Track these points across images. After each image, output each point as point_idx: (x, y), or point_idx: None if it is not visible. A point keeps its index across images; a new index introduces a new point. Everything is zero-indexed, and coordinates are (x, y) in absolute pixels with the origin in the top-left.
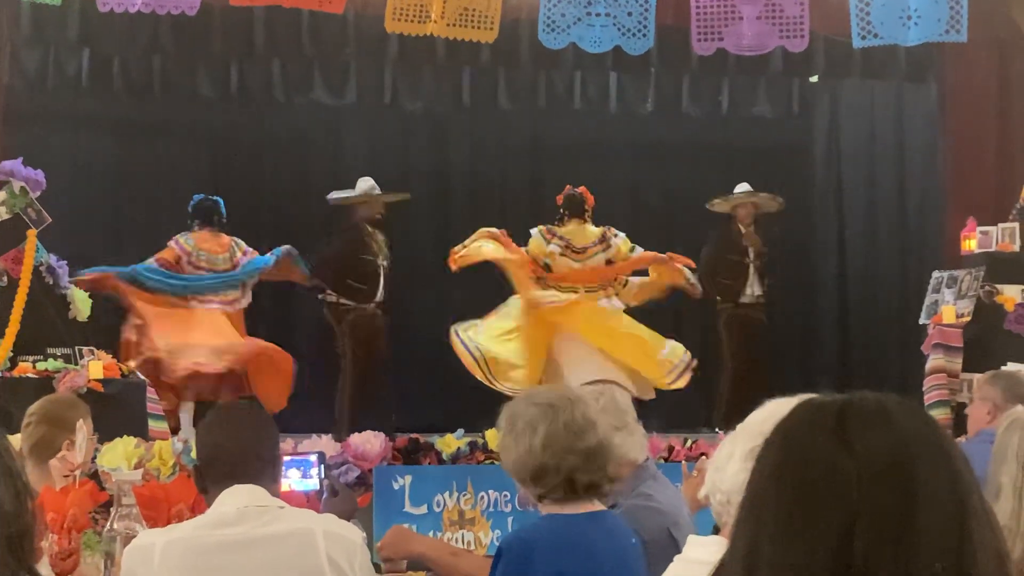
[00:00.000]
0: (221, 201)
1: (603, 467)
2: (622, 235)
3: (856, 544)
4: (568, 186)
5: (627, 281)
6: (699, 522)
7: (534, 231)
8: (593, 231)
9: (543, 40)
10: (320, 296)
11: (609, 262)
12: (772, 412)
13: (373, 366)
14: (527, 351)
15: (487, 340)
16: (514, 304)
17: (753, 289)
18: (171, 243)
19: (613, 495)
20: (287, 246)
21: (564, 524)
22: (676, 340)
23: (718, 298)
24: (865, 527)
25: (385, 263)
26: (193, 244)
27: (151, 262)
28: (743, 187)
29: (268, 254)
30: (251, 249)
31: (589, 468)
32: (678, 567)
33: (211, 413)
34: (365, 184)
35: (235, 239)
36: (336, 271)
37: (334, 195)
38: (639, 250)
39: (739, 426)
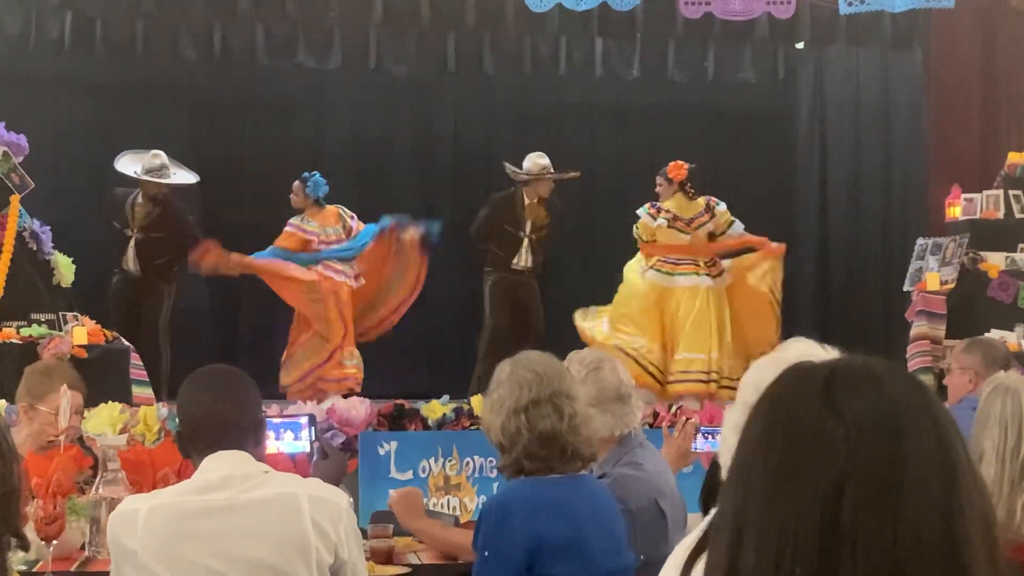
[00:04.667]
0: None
1: (587, 438)
2: (723, 205)
3: (844, 508)
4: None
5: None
6: (683, 486)
7: (641, 211)
8: (698, 203)
9: (528, 3)
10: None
11: (711, 235)
12: (757, 377)
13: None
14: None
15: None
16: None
17: (524, 260)
18: (291, 229)
19: (598, 465)
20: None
21: (542, 487)
22: None
23: (487, 267)
24: (853, 491)
25: (135, 236)
26: (317, 224)
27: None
28: (539, 159)
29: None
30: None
31: (577, 438)
32: (696, 533)
33: (190, 379)
34: (155, 162)
35: (340, 207)
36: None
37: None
38: (738, 224)
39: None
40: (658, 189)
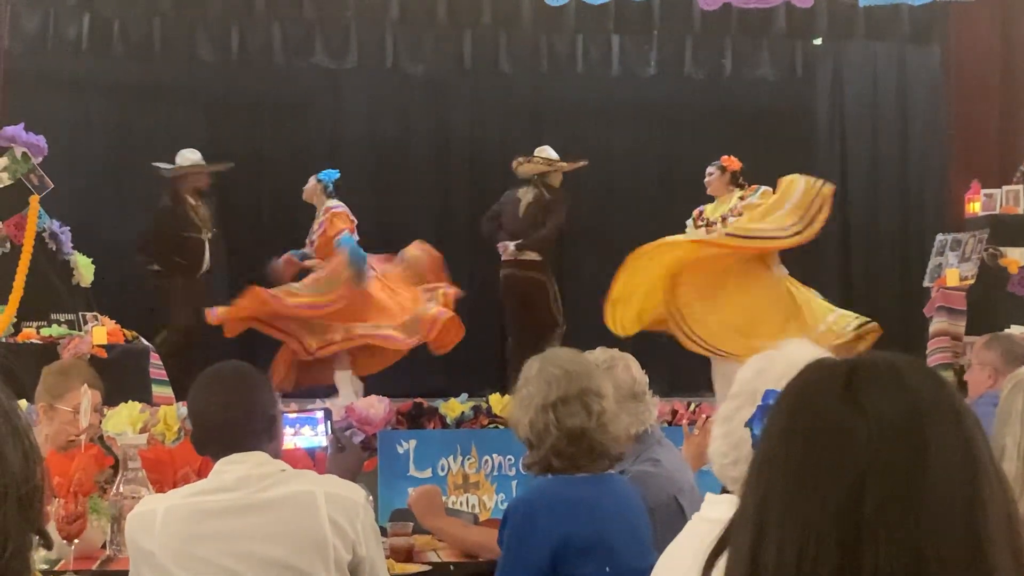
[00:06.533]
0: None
1: (616, 436)
2: (761, 189)
3: (866, 503)
4: (725, 158)
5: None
6: (701, 483)
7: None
8: (731, 199)
9: None
10: (148, 267)
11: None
12: (750, 372)
13: (197, 331)
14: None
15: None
16: None
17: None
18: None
19: (619, 462)
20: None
21: (568, 486)
22: None
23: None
24: (875, 486)
25: (209, 235)
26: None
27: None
28: (545, 151)
29: None
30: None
31: (605, 436)
32: (696, 526)
33: (199, 382)
34: (193, 156)
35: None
36: (159, 247)
37: (160, 166)
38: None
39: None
40: (708, 179)
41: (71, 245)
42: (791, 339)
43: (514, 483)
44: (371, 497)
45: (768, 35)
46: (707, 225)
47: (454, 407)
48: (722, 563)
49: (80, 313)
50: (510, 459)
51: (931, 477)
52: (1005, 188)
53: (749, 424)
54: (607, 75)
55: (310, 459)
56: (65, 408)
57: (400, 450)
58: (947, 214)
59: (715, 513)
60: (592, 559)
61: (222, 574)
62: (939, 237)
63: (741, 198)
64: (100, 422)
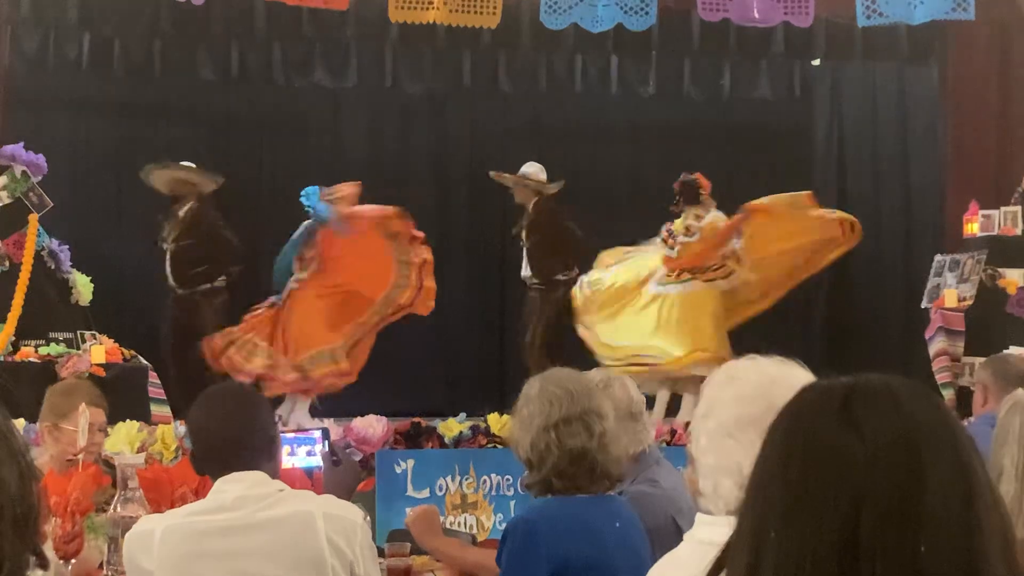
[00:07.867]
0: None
1: (617, 457)
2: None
3: (863, 525)
4: (684, 172)
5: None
6: None
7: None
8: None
9: (544, 21)
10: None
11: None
12: (743, 413)
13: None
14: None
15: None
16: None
17: (524, 271)
18: None
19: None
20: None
21: (568, 506)
22: None
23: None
24: (872, 508)
25: (167, 246)
26: None
27: None
28: (530, 167)
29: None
30: None
31: (606, 457)
32: (688, 547)
33: (200, 401)
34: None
35: None
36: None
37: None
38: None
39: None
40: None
41: (70, 264)
42: (747, 358)
43: (512, 503)
44: (368, 517)
45: (767, 56)
46: (668, 236)
47: (452, 427)
48: None
49: (78, 332)
50: (508, 479)
51: (927, 499)
52: (1003, 209)
53: None
54: (606, 95)
55: (308, 479)
56: (70, 428)
57: (398, 470)
58: (945, 235)
59: (708, 535)
60: None
61: None
62: (937, 258)
63: (697, 217)
64: (104, 440)
